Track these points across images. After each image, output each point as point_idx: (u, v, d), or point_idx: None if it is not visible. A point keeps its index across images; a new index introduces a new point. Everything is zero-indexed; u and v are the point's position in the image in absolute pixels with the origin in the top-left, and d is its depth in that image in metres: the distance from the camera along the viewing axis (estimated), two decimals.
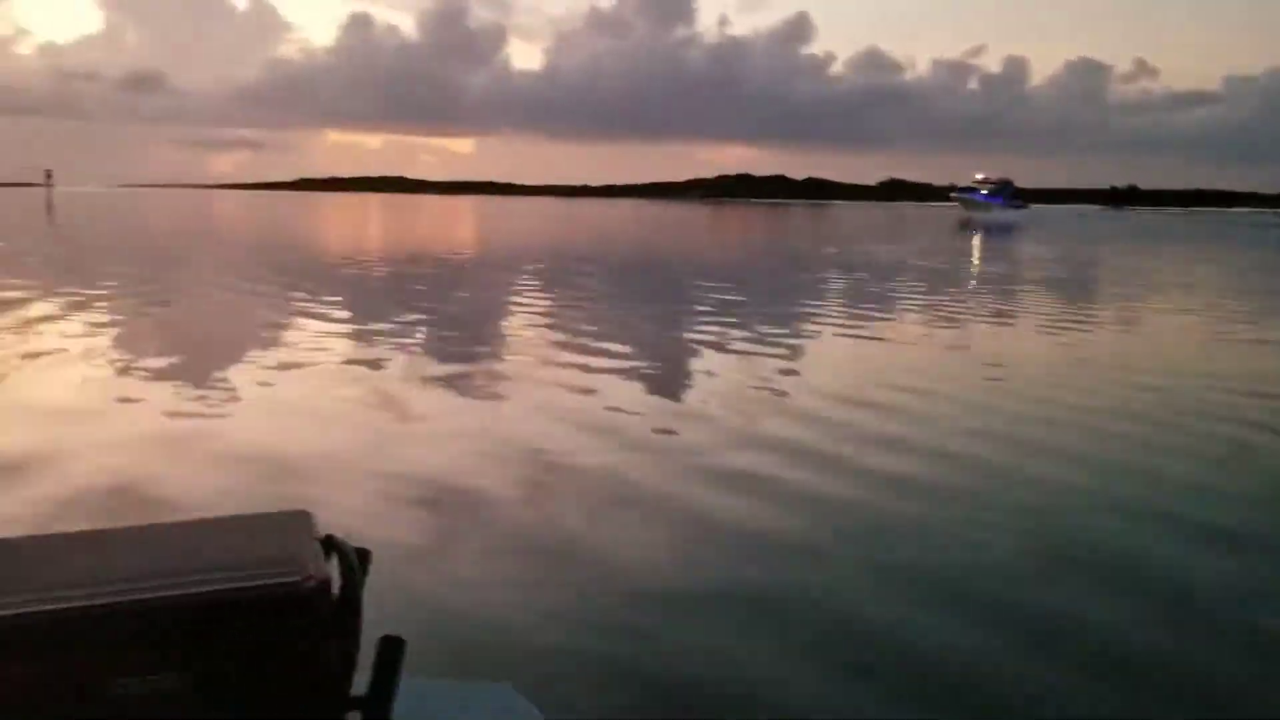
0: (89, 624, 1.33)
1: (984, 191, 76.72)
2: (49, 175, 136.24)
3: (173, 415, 7.35)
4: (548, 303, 16.05)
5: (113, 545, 1.56)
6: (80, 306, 13.64)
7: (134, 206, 79.15)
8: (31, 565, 1.45)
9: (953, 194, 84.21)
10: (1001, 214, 71.18)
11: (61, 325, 11.90)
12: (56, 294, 15.11)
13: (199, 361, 9.67)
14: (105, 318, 12.72)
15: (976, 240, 44.80)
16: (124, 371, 9.08)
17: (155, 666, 1.36)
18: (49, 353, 9.97)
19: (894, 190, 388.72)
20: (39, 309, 13.40)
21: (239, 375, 9.02)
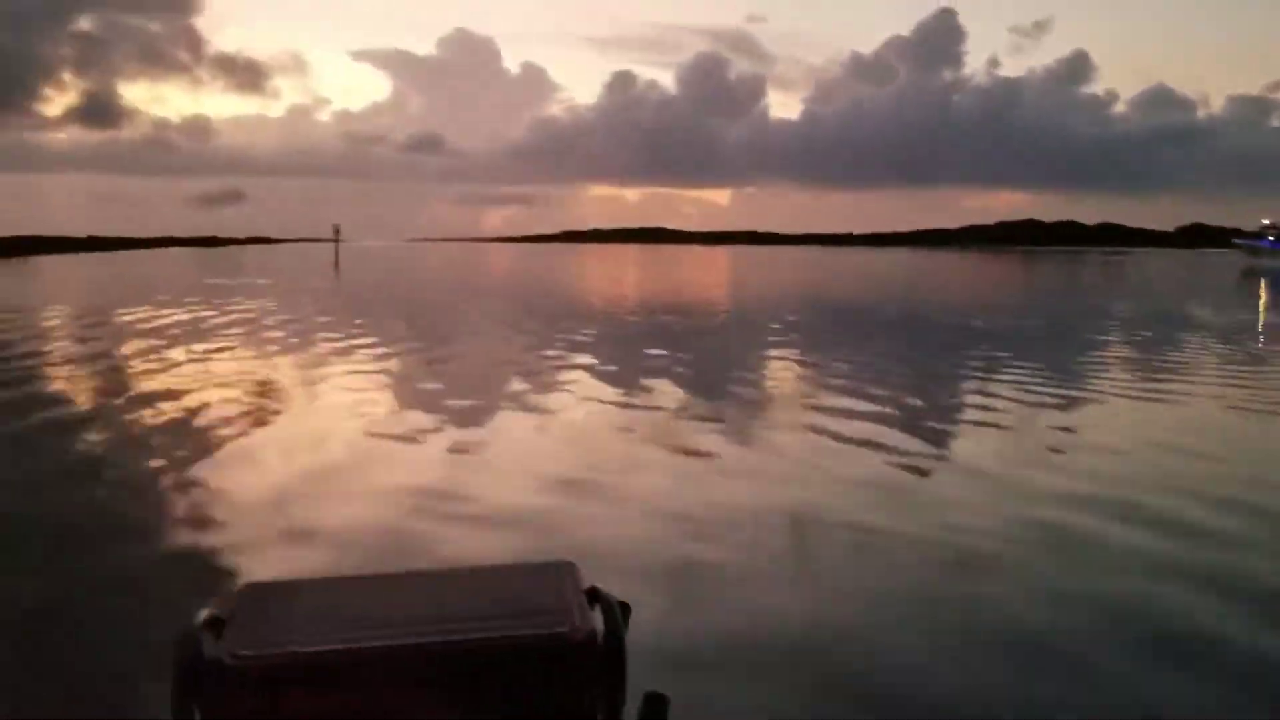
0: (374, 665, 1.41)
1: (1270, 238, 69.15)
2: (337, 231, 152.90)
3: (457, 451, 8.02)
4: (818, 352, 15.96)
5: (395, 589, 1.65)
6: (367, 348, 15.18)
7: (416, 258, 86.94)
8: (325, 605, 1.56)
9: (1235, 240, 76.79)
10: None
11: (358, 365, 13.31)
12: (350, 335, 16.92)
13: (482, 402, 10.47)
14: (392, 363, 14.06)
15: (1262, 290, 40.35)
16: (404, 409, 9.97)
17: (433, 709, 1.43)
18: (347, 390, 11.16)
19: (1193, 236, 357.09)
20: (333, 348, 15.04)
21: (514, 415, 9.71)
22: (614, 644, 1.47)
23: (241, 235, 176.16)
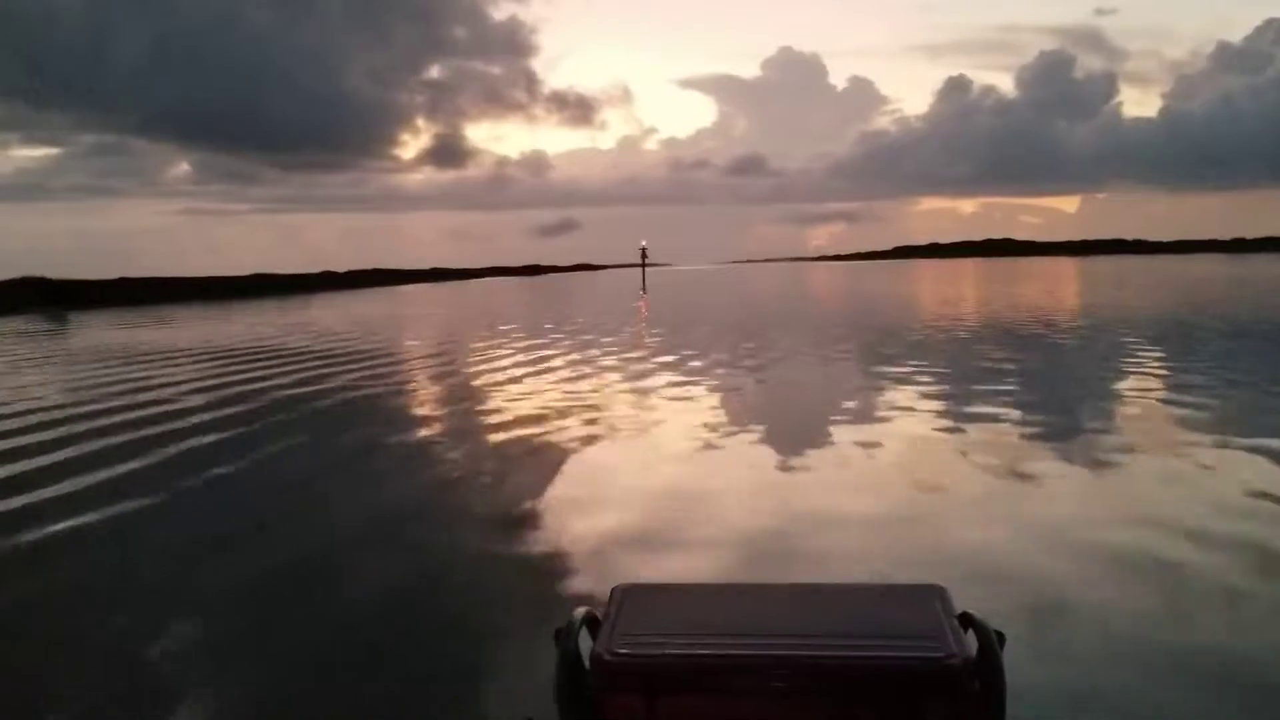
0: (745, 673, 1.47)
1: None
2: (644, 253, 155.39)
3: (785, 469, 8.22)
4: (1190, 376, 14.42)
5: (765, 599, 1.72)
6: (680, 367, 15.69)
7: (733, 279, 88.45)
8: (696, 610, 1.65)
9: None
10: None
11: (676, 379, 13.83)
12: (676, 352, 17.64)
13: (804, 424, 10.50)
14: (714, 380, 14.46)
15: None
16: (729, 430, 10.21)
17: None
18: (666, 410, 11.61)
19: None
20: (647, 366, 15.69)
21: (848, 435, 9.65)
22: (991, 672, 1.44)
23: (566, 263, 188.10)
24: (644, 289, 63.21)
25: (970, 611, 1.56)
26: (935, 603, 1.61)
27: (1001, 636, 1.51)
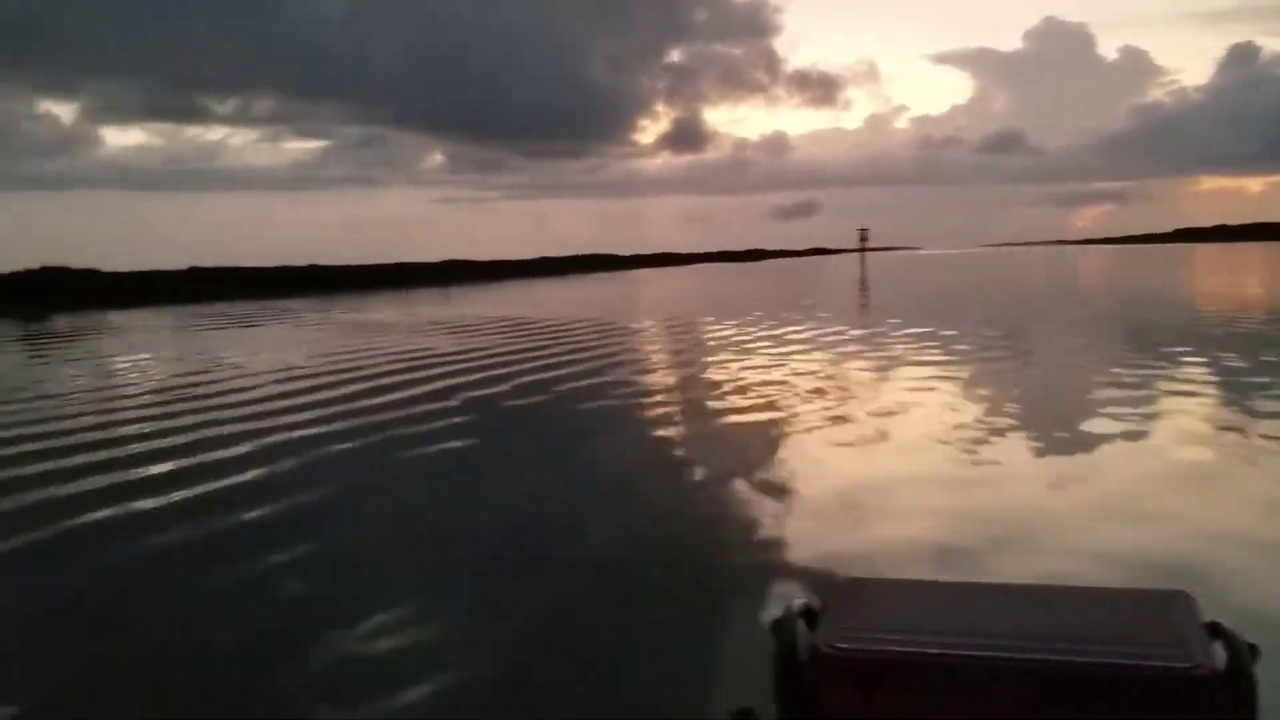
0: (973, 675, 1.42)
1: None
2: (863, 236, 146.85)
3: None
4: None
5: (995, 599, 1.67)
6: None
7: (985, 265, 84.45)
8: (921, 607, 1.62)
9: None
10: None
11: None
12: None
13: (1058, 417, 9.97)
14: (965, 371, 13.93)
15: None
16: (987, 423, 9.82)
17: None
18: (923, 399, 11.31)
19: None
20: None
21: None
22: (1242, 687, 1.34)
23: (801, 247, 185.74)
24: (863, 283, 53.99)
25: (1220, 621, 1.46)
26: (1180, 610, 1.52)
27: (1255, 649, 1.40)
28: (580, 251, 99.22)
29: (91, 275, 46.73)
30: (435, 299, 44.47)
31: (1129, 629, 1.47)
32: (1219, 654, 1.39)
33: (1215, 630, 1.45)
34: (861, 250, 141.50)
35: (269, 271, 57.12)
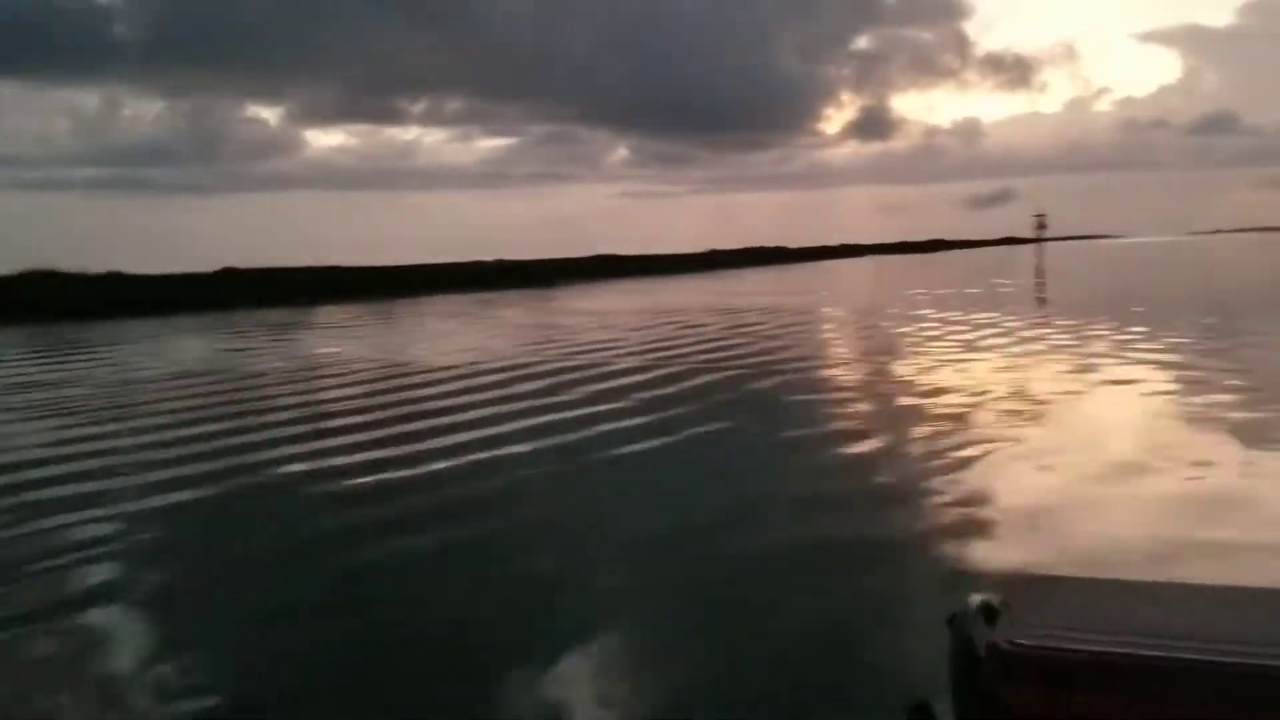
0: (1168, 677, 1.39)
1: None
2: (1040, 223, 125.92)
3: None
4: None
5: (1190, 600, 1.62)
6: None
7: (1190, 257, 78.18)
8: (1110, 605, 1.59)
9: None
10: None
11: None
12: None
13: None
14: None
15: None
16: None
17: None
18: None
19: None
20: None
21: None
22: None
23: (991, 236, 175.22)
24: (1040, 276, 47.78)
25: None
26: None
27: None
28: (762, 244, 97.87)
29: (323, 270, 49.34)
30: (616, 290, 44.88)
31: None
32: None
33: None
34: (1038, 240, 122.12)
35: (469, 267, 58.93)
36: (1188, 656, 1.36)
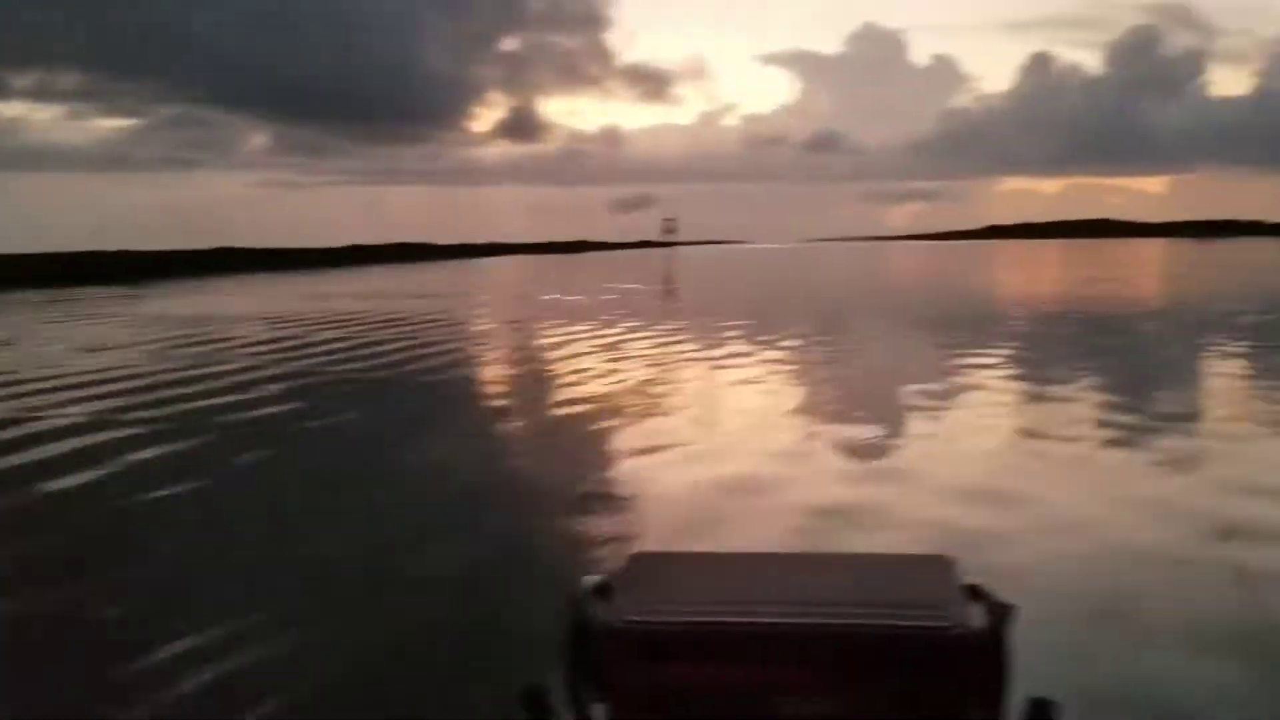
0: (756, 641, 1.47)
1: None
2: (668, 228, 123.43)
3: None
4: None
5: (776, 568, 1.72)
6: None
7: (803, 261, 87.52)
8: (709, 578, 1.67)
9: None
10: None
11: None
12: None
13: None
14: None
15: None
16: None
17: (810, 691, 1.46)
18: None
19: None
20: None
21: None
22: (996, 644, 1.43)
23: (632, 240, 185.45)
24: (670, 280, 48.54)
25: (978, 583, 1.55)
26: (942, 573, 1.60)
27: (1010, 609, 1.49)
28: (409, 240, 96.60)
29: None
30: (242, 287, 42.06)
31: (894, 591, 1.54)
32: (977, 614, 1.47)
33: (974, 592, 1.53)
34: (667, 244, 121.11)
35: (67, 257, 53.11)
36: (778, 620, 1.46)
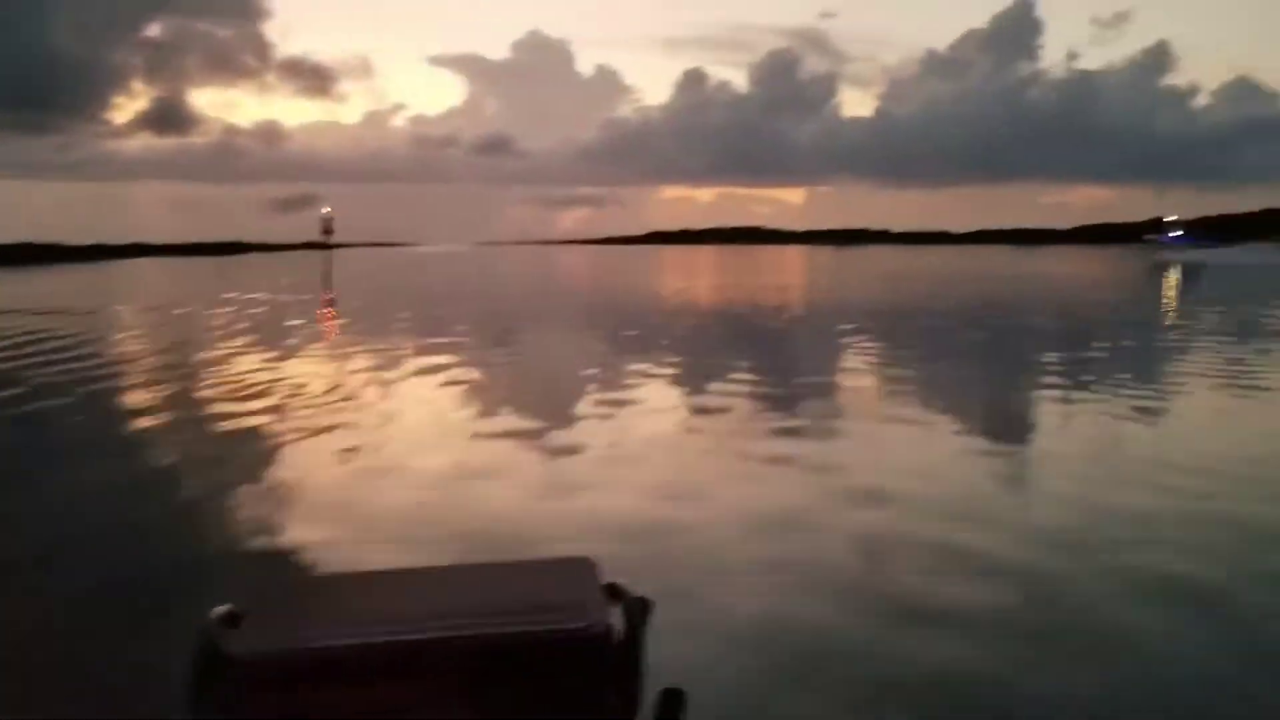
0: (387, 660, 1.47)
1: (1175, 234, 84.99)
2: (326, 227, 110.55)
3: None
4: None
5: (414, 584, 1.72)
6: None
7: (488, 261, 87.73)
8: (343, 601, 1.65)
9: (1145, 236, 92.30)
10: (1193, 254, 76.24)
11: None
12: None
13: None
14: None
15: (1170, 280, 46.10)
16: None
17: (447, 704, 1.47)
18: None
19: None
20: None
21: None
22: (632, 640, 1.51)
23: (299, 240, 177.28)
24: (328, 287, 46.36)
25: (617, 582, 1.62)
26: (582, 575, 1.66)
27: (648, 604, 1.57)
28: (40, 240, 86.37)
29: None
30: None
31: (535, 596, 1.58)
32: (615, 613, 1.54)
33: (613, 591, 1.60)
34: (326, 246, 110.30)
35: None
36: (413, 637, 1.47)
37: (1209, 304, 29.88)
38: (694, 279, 51.67)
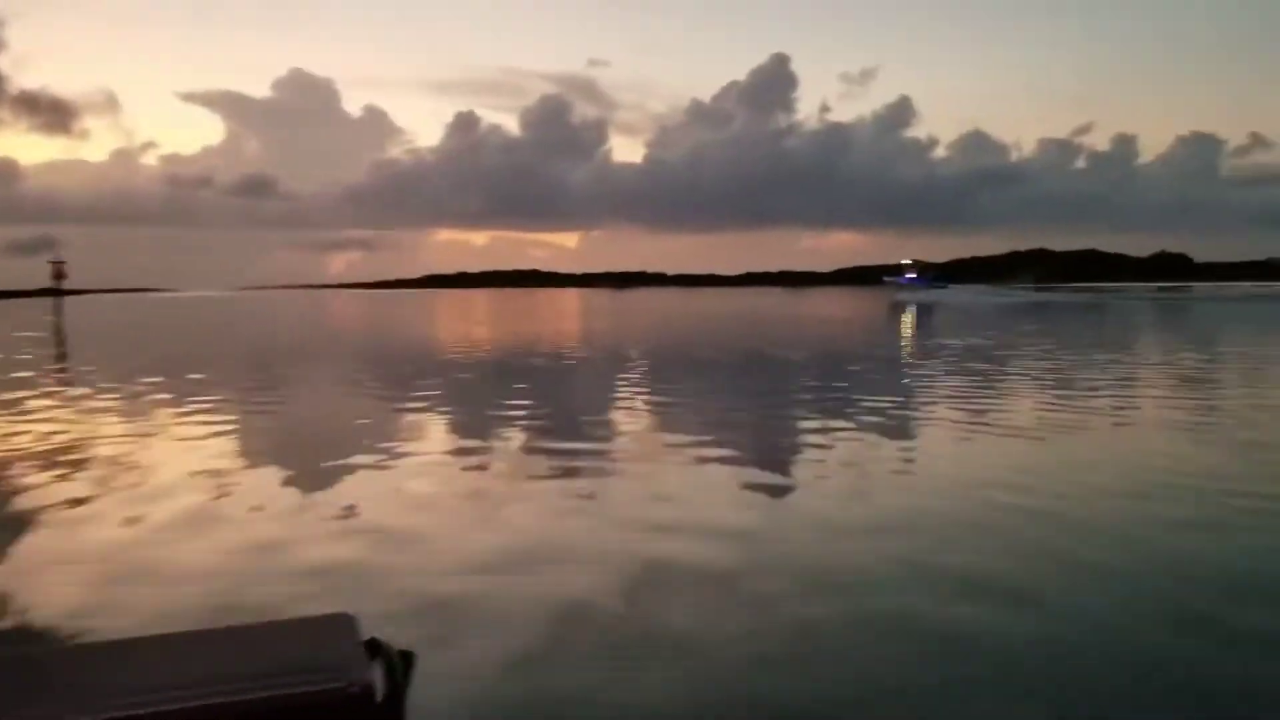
0: None
1: (909, 275, 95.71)
2: (57, 272, 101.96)
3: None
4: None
5: (166, 650, 1.66)
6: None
7: (246, 309, 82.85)
8: (86, 673, 1.56)
9: (885, 278, 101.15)
10: (925, 294, 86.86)
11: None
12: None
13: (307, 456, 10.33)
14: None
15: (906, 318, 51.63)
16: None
17: None
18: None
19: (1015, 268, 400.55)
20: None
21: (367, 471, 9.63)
22: (393, 696, 1.52)
23: (33, 286, 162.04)
24: (60, 335, 43.44)
25: (378, 637, 1.63)
26: (342, 632, 1.65)
27: (411, 657, 1.60)
28: None
29: None
30: None
31: (295, 657, 1.54)
32: (375, 668, 1.53)
33: (374, 647, 1.59)
34: (58, 292, 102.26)
35: None
36: (158, 710, 1.41)
37: (935, 337, 34.71)
38: (473, 326, 51.06)
